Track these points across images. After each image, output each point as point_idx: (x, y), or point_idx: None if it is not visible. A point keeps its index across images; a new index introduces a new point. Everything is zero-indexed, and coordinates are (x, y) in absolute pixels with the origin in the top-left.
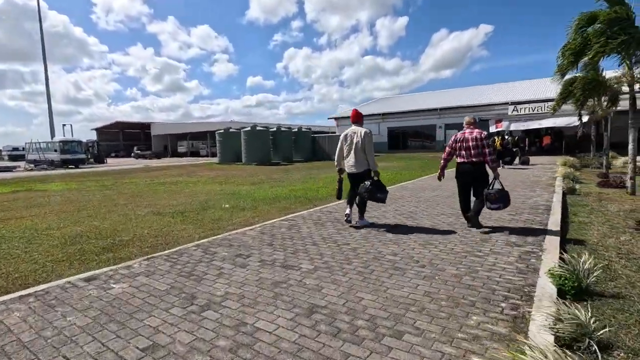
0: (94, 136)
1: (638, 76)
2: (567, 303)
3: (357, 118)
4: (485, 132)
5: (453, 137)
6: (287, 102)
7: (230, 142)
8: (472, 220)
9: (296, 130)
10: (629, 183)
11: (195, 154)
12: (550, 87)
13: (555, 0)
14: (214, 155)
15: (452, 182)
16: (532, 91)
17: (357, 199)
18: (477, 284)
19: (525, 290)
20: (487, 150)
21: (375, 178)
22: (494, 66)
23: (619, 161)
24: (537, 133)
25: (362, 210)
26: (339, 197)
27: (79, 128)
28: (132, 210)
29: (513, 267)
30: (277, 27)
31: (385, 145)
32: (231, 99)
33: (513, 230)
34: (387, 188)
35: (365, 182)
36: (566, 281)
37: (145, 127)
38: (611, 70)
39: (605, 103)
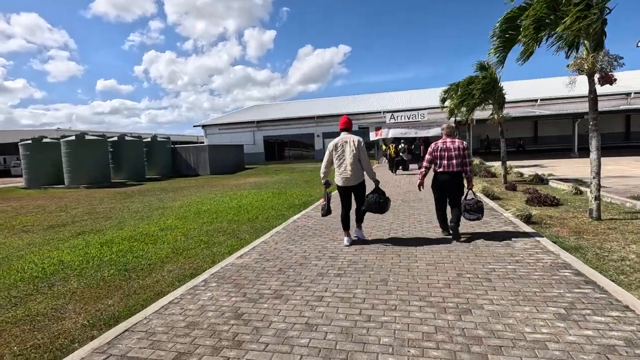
0: None
1: (600, 64)
2: None
3: (348, 125)
4: (466, 142)
5: (433, 146)
6: (151, 110)
7: (44, 157)
8: (454, 230)
9: (149, 139)
10: (593, 205)
11: (4, 173)
12: (415, 98)
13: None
14: None
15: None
16: (402, 101)
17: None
18: None
19: None
20: (467, 161)
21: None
22: (354, 83)
23: (498, 169)
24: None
25: (360, 221)
26: (325, 215)
27: None
28: None
29: None
30: (133, 26)
31: (262, 156)
32: (76, 104)
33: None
34: (281, 225)
35: (373, 195)
36: None
37: None
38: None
39: (497, 107)
